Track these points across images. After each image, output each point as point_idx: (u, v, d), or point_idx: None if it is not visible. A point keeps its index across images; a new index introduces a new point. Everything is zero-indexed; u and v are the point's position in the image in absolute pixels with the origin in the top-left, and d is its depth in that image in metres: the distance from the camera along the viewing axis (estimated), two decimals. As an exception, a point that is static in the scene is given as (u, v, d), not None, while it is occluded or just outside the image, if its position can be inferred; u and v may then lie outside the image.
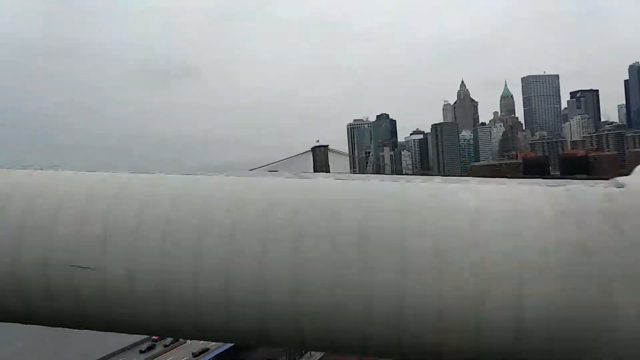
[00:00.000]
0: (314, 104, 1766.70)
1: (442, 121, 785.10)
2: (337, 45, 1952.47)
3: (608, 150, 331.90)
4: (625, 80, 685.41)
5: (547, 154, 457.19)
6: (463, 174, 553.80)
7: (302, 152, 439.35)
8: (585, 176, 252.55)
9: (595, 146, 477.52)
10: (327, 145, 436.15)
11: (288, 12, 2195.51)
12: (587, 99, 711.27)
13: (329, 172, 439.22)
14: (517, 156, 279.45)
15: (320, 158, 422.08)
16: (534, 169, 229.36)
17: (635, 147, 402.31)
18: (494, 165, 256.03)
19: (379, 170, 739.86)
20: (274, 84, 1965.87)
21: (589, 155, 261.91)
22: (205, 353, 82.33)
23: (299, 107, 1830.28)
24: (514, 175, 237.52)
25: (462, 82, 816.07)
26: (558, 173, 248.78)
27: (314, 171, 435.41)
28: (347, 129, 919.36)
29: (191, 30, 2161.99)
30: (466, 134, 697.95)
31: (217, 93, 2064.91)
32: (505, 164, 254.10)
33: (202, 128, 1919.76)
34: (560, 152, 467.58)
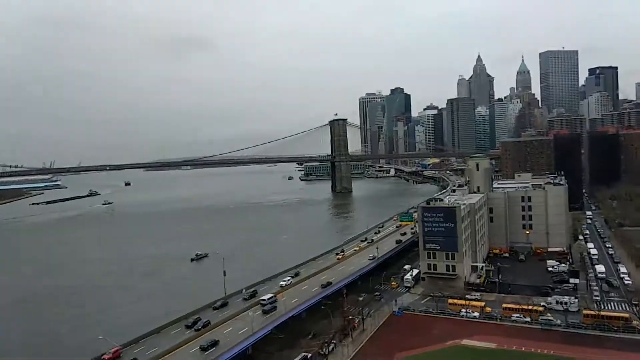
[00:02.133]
0: (325, 77, 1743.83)
1: (456, 96, 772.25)
2: (349, 17, 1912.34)
3: (632, 129, 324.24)
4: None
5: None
6: (480, 150, 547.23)
7: (318, 125, 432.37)
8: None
9: (616, 124, 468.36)
10: (346, 119, 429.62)
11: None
12: (607, 76, 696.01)
13: (347, 145, 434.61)
14: (547, 133, 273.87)
15: (338, 131, 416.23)
16: (565, 146, 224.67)
17: (630, 127, 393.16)
18: (525, 142, 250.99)
19: (392, 145, 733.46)
20: (283, 57, 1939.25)
21: (620, 133, 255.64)
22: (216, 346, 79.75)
23: (308, 80, 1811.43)
24: (546, 152, 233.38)
25: (479, 56, 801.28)
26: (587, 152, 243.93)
27: (332, 144, 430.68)
28: (359, 102, 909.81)
29: (207, 4, 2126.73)
30: (482, 109, 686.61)
31: (230, 66, 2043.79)
32: (536, 140, 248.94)
33: (215, 100, 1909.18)
34: (579, 130, 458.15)
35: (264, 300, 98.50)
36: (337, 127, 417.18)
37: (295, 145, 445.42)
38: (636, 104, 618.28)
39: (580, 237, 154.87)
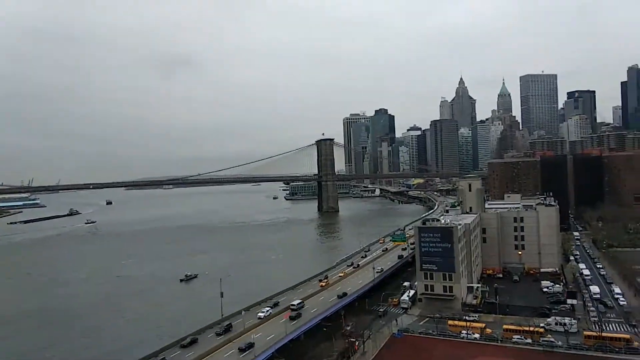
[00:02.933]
0: (309, 98, 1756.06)
1: (439, 118, 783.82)
2: (332, 39, 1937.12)
3: (616, 151, 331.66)
4: (622, 82, 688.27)
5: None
6: (464, 173, 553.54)
7: (304, 144, 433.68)
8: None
9: (596, 147, 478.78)
10: (333, 139, 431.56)
11: (284, 2, 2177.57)
12: (585, 100, 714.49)
13: (333, 165, 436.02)
14: (534, 154, 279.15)
15: (325, 151, 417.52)
16: (551, 167, 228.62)
17: (635, 148, 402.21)
18: (512, 163, 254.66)
19: (376, 165, 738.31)
20: (268, 77, 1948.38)
21: (603, 155, 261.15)
22: (251, 349, 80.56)
23: (292, 101, 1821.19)
24: (532, 173, 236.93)
25: (461, 79, 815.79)
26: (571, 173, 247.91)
27: (319, 164, 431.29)
28: (344, 123, 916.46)
29: (190, 21, 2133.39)
30: (464, 131, 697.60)
31: (215, 85, 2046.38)
32: (522, 161, 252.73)
33: (197, 119, 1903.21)
34: (560, 151, 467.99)
35: (293, 305, 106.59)
36: (324, 147, 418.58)
37: (280, 164, 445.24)
38: (614, 127, 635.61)
39: (571, 257, 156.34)
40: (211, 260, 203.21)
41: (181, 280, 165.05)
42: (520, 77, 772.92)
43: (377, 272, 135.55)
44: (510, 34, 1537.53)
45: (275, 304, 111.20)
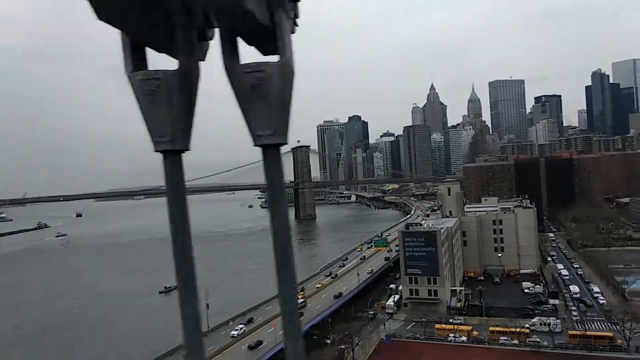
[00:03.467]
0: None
1: (411, 124, 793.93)
2: (304, 45, 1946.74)
3: (584, 153, 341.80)
4: (587, 87, 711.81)
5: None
6: (437, 177, 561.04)
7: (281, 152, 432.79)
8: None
9: (564, 150, 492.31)
10: (309, 146, 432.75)
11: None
12: (552, 104, 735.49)
13: (310, 172, 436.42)
14: (507, 157, 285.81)
15: (301, 158, 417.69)
16: (525, 170, 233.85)
17: (600, 151, 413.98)
18: (487, 167, 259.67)
19: (351, 171, 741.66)
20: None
21: (573, 158, 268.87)
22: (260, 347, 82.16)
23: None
24: (507, 176, 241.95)
25: (432, 85, 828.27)
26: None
27: (295, 171, 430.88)
28: (317, 129, 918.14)
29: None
30: (437, 136, 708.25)
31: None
32: (497, 165, 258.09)
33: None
34: (530, 155, 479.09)
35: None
36: (300, 154, 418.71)
37: (255, 173, 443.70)
38: (580, 130, 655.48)
39: (549, 258, 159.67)
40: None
41: (160, 292, 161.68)
42: (489, 83, 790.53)
43: (367, 272, 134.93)
44: (478, 43, 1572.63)
45: (250, 320, 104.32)
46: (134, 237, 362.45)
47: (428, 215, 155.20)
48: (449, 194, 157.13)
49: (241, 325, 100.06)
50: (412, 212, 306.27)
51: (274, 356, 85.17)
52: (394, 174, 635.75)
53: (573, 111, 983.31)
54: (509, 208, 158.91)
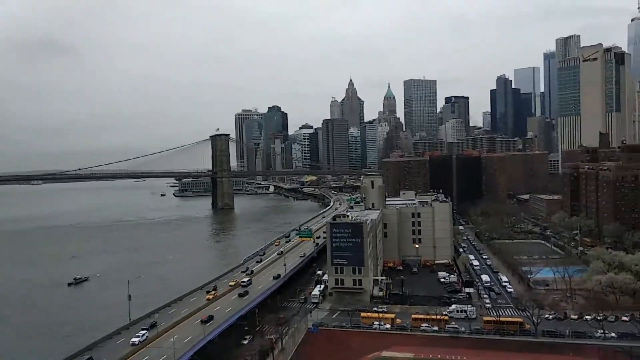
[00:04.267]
0: (198, 94, 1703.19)
1: (329, 117, 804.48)
2: (224, 33, 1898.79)
3: (491, 152, 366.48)
4: (492, 90, 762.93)
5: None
6: (354, 170, 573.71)
7: (192, 139, 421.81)
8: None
9: (470, 148, 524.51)
10: (229, 135, 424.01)
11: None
12: (460, 105, 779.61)
13: (229, 161, 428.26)
14: (423, 154, 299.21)
15: (221, 147, 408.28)
16: (439, 166, 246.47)
17: (503, 151, 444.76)
18: (404, 162, 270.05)
19: (269, 161, 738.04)
20: (154, 70, 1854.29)
21: (481, 156, 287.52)
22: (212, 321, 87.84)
23: (181, 95, 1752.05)
24: (422, 171, 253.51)
25: (351, 80, 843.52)
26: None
27: (213, 160, 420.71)
28: (236, 118, 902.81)
29: (63, 3, 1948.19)
30: (354, 130, 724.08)
31: (92, 75, 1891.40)
32: (414, 160, 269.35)
33: (71, 110, 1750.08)
34: (440, 152, 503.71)
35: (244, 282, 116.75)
36: (220, 142, 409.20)
37: (168, 160, 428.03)
38: (485, 130, 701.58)
39: (460, 249, 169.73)
40: (102, 261, 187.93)
41: (69, 284, 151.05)
42: (404, 82, 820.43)
43: (274, 277, 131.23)
44: (396, 44, 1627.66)
45: (153, 325, 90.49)
46: (34, 223, 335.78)
47: (352, 207, 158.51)
48: (372, 187, 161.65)
49: (143, 332, 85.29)
50: (332, 204, 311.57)
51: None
52: (312, 166, 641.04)
53: (478, 112, 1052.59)
54: (427, 202, 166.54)
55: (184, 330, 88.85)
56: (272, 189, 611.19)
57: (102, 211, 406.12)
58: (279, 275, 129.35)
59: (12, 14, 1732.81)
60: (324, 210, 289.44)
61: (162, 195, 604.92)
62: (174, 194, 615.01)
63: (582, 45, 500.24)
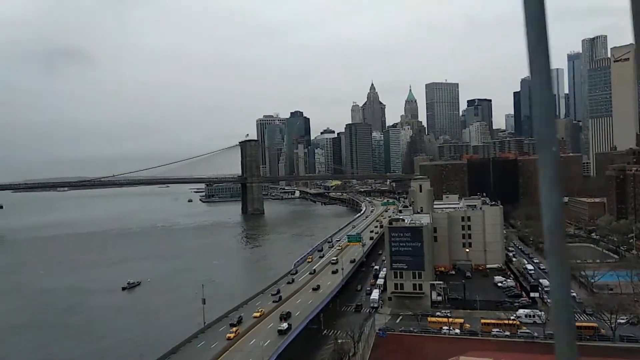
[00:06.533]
0: (217, 98, 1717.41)
1: (350, 121, 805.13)
2: (241, 40, 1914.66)
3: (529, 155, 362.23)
4: (515, 92, 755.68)
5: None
6: (380, 175, 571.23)
7: (217, 145, 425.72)
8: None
9: (498, 152, 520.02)
10: (258, 140, 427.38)
11: (187, 1, 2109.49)
12: (483, 107, 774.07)
13: (259, 166, 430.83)
14: (461, 157, 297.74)
15: (251, 152, 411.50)
16: (477, 170, 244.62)
17: (526, 154, 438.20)
18: (442, 165, 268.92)
19: (292, 166, 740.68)
20: (173, 77, 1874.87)
21: (518, 159, 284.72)
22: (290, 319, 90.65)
23: (199, 102, 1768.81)
24: (459, 175, 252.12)
25: (372, 84, 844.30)
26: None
27: (243, 165, 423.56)
28: (257, 124, 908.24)
29: (81, 13, 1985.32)
30: (377, 135, 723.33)
31: (111, 83, 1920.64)
32: (451, 164, 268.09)
33: (90, 117, 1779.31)
34: (478, 155, 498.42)
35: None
36: (250, 147, 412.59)
37: (193, 166, 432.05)
38: (510, 133, 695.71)
39: (509, 254, 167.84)
40: (147, 267, 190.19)
41: (123, 289, 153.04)
42: (426, 85, 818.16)
43: (333, 272, 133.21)
44: (411, 46, 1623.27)
45: (239, 321, 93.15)
46: (67, 230, 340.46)
47: (400, 211, 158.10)
48: (420, 191, 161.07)
49: (234, 327, 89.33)
50: (364, 209, 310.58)
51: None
52: (335, 170, 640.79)
53: (500, 115, 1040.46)
54: (475, 205, 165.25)
55: (262, 331, 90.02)
56: (297, 193, 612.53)
57: (131, 217, 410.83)
58: (336, 270, 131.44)
59: (28, 22, 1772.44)
60: (358, 215, 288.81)
61: (189, 201, 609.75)
62: (200, 200, 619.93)
63: (610, 46, 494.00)
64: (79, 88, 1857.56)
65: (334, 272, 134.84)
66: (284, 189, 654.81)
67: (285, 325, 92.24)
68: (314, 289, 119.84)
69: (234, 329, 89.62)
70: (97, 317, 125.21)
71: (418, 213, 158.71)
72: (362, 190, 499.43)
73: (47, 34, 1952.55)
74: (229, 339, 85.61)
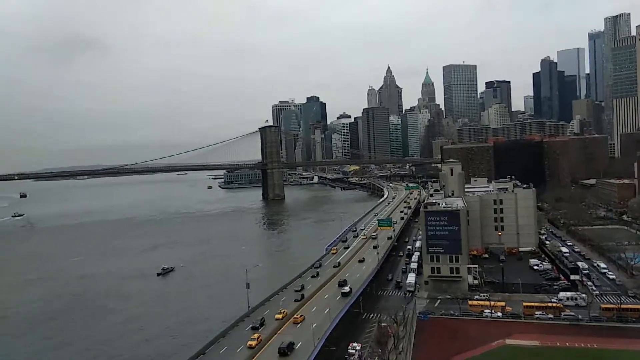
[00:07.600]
0: (230, 84, 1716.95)
1: (366, 105, 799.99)
2: (255, 26, 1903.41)
3: (548, 136, 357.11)
4: (534, 73, 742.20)
5: (472, 140, 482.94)
6: (398, 159, 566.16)
7: (231, 131, 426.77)
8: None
9: (518, 133, 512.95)
10: (278, 126, 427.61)
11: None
12: (502, 89, 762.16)
13: (279, 152, 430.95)
14: (486, 140, 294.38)
15: (271, 138, 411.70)
16: (503, 153, 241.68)
17: (552, 135, 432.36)
18: (467, 148, 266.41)
19: (309, 151, 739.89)
20: (187, 65, 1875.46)
21: (544, 141, 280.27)
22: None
23: (213, 89, 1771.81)
24: (485, 158, 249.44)
25: (389, 67, 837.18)
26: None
27: (263, 151, 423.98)
28: (273, 110, 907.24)
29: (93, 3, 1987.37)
30: (394, 119, 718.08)
31: (126, 70, 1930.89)
32: (476, 147, 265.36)
33: (107, 105, 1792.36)
34: (485, 139, 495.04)
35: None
36: (270, 133, 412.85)
37: (211, 153, 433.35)
38: (529, 115, 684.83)
39: (541, 237, 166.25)
40: (177, 253, 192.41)
41: (158, 274, 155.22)
42: (444, 67, 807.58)
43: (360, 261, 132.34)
44: (432, 29, 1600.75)
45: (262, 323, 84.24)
46: (92, 217, 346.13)
47: (432, 195, 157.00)
48: (452, 174, 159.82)
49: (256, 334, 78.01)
50: (386, 194, 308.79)
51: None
52: (353, 155, 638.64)
53: (518, 96, 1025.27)
54: (506, 188, 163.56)
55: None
56: (316, 179, 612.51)
57: (153, 205, 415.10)
58: (363, 259, 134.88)
59: (37, 13, 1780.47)
60: (381, 199, 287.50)
61: (209, 187, 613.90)
62: (219, 186, 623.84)
63: (634, 24, 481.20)
64: (94, 77, 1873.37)
65: (375, 247, 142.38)
66: (301, 174, 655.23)
67: (347, 288, 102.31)
68: (359, 261, 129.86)
69: (297, 302, 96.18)
70: (140, 303, 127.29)
71: (449, 197, 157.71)
72: (381, 174, 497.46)
73: (65, 24, 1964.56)
74: (278, 319, 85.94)
